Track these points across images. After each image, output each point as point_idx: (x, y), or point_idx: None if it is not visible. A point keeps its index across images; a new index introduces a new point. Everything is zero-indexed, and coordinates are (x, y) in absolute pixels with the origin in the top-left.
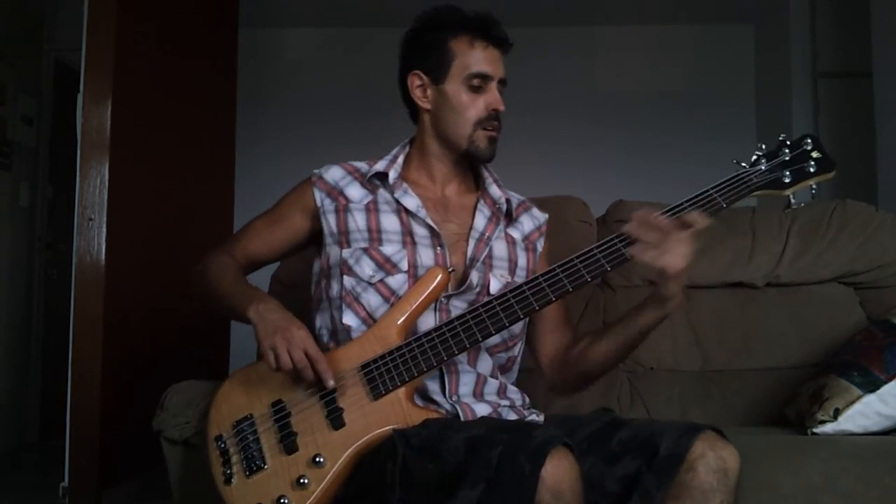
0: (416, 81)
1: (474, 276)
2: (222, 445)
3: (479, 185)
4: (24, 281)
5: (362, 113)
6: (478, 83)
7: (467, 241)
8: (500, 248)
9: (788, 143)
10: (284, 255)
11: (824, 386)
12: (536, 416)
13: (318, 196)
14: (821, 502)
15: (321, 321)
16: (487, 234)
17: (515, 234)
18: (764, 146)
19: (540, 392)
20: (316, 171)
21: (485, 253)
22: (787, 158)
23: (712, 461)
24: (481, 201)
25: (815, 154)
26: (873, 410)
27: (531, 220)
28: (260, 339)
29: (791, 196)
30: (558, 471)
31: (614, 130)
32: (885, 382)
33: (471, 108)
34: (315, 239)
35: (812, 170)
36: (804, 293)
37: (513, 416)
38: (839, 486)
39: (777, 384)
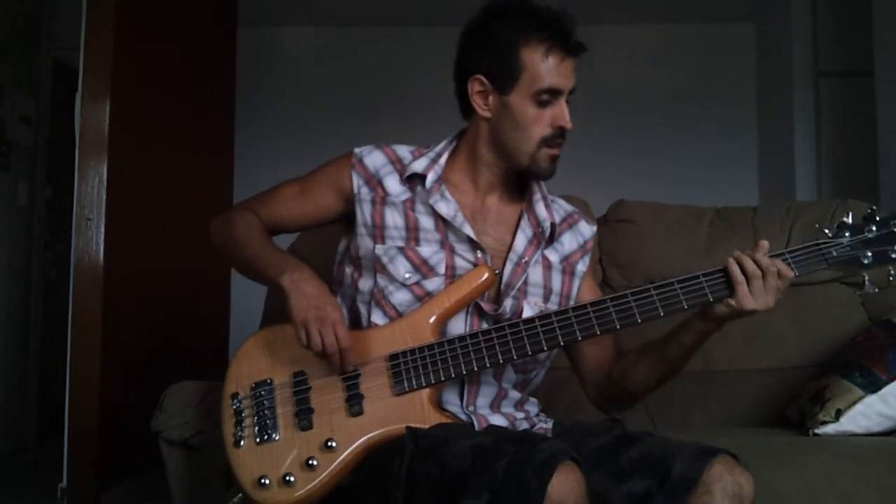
0: (476, 87)
1: (507, 304)
2: (237, 405)
3: (523, 196)
4: (23, 281)
5: (362, 112)
6: (546, 98)
7: (504, 262)
8: (535, 275)
9: (877, 218)
10: (308, 227)
11: (826, 386)
12: (545, 424)
13: (356, 181)
14: (822, 503)
15: (341, 304)
16: (526, 258)
17: (553, 256)
18: (851, 215)
19: (542, 394)
20: (357, 150)
21: (521, 280)
22: (871, 236)
23: (729, 486)
24: (524, 218)
25: None
26: (875, 411)
27: (574, 238)
28: (293, 312)
29: (866, 277)
30: (564, 486)
31: (615, 130)
32: (887, 383)
33: (536, 125)
34: (345, 218)
35: (895, 255)
36: (806, 294)
37: (525, 426)
38: (840, 487)
39: (778, 385)
